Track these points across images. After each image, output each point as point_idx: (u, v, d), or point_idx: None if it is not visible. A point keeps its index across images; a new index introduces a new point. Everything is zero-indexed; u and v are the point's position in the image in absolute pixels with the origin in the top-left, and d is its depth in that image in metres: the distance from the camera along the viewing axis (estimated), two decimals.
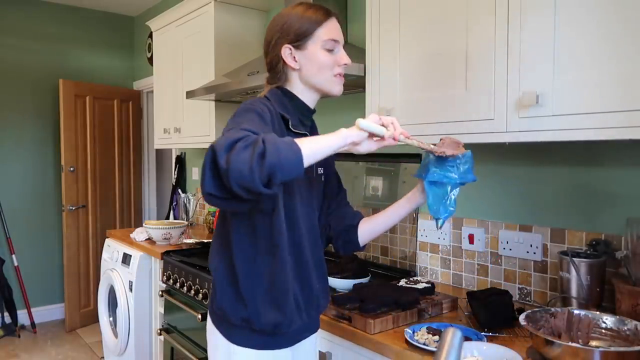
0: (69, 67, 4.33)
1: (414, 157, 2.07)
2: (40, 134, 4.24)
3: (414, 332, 1.37)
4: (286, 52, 1.25)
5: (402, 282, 1.78)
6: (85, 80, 4.35)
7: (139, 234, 2.96)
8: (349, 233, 1.39)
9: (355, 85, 2.14)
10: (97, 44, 4.51)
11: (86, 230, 4.19)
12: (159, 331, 2.61)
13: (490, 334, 1.38)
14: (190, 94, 2.69)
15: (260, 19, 2.95)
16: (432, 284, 1.73)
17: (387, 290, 1.64)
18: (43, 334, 4.02)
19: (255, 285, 1.22)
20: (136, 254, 2.79)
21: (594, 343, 1.23)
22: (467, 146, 1.21)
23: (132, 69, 4.73)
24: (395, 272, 2.11)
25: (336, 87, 1.29)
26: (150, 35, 4.04)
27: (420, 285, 1.71)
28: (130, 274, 2.79)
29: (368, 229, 1.39)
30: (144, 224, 2.87)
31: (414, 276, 2.03)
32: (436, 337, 1.31)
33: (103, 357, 3.21)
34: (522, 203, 1.73)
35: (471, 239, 1.87)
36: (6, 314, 3.97)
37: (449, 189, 1.20)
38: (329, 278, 1.87)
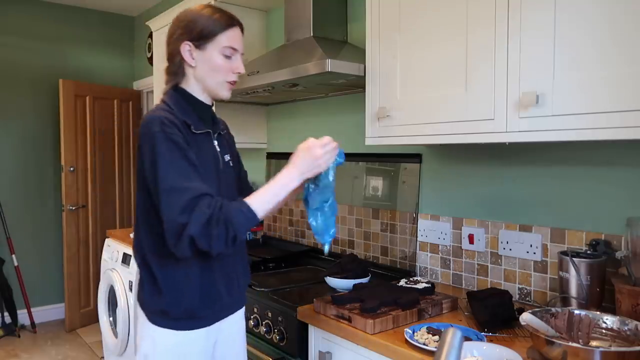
0: (69, 67, 4.33)
1: (414, 157, 2.08)
2: (40, 134, 4.24)
3: (413, 332, 1.37)
4: (185, 48, 1.33)
5: (402, 282, 1.78)
6: (85, 80, 4.35)
7: None
8: None
9: (355, 85, 2.14)
10: (97, 44, 4.51)
11: (86, 230, 4.19)
12: None
13: (490, 334, 1.38)
14: None
15: (260, 19, 2.94)
16: (432, 284, 1.73)
17: (387, 290, 1.64)
18: (43, 334, 4.02)
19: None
20: None
21: (594, 343, 1.23)
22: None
23: (132, 69, 4.73)
24: (395, 272, 2.11)
25: (225, 93, 1.38)
26: (150, 35, 4.04)
27: (420, 285, 1.71)
28: (130, 274, 2.78)
29: None
30: None
31: (414, 276, 2.03)
32: (436, 337, 1.31)
33: (103, 357, 3.21)
34: (522, 203, 1.73)
35: (471, 239, 1.87)
36: (6, 314, 3.97)
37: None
38: (329, 278, 1.88)
